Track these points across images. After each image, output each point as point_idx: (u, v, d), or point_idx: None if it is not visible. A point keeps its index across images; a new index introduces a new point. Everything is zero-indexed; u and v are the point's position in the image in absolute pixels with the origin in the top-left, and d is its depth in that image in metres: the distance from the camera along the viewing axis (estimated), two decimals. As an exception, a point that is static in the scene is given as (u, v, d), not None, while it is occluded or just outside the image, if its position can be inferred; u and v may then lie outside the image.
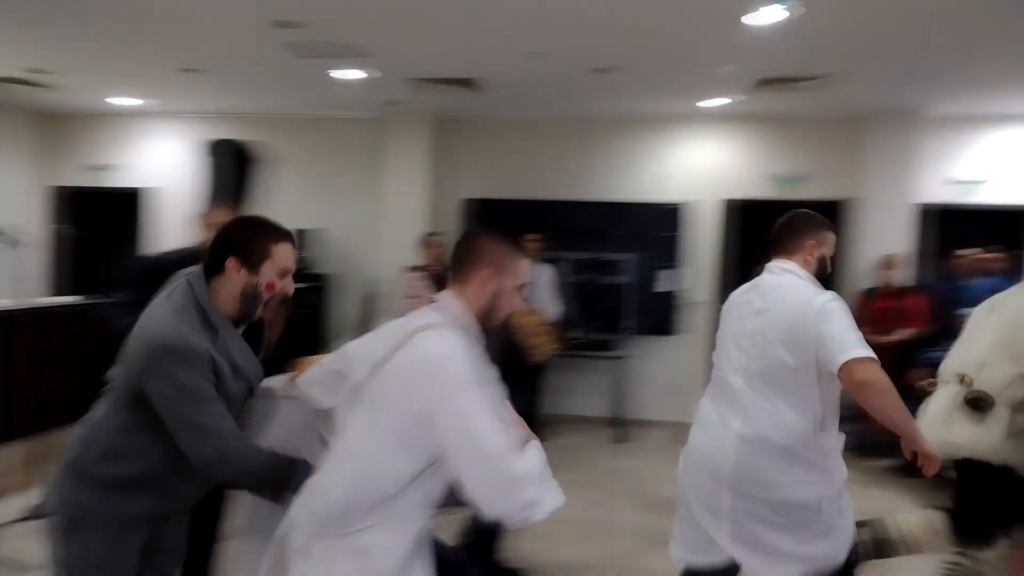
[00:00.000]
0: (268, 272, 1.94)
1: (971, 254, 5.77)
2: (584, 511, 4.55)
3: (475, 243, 1.92)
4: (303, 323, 6.75)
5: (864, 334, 2.30)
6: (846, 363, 2.19)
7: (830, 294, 2.39)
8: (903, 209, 6.33)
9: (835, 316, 2.30)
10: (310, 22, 4.34)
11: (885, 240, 6.25)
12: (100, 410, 1.96)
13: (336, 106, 6.96)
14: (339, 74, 5.55)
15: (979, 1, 3.67)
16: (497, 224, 6.81)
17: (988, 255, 5.72)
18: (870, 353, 2.21)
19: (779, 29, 3.97)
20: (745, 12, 3.72)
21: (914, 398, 2.87)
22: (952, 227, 6.44)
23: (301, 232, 7.27)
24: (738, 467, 2.40)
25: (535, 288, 6.15)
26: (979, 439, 2.87)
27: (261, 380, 2.06)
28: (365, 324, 6.07)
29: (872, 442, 5.17)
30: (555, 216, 6.79)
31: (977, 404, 2.94)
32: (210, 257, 1.94)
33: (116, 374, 1.94)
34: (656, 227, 6.85)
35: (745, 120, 6.84)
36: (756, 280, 2.60)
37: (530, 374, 5.75)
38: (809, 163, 6.82)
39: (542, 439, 1.93)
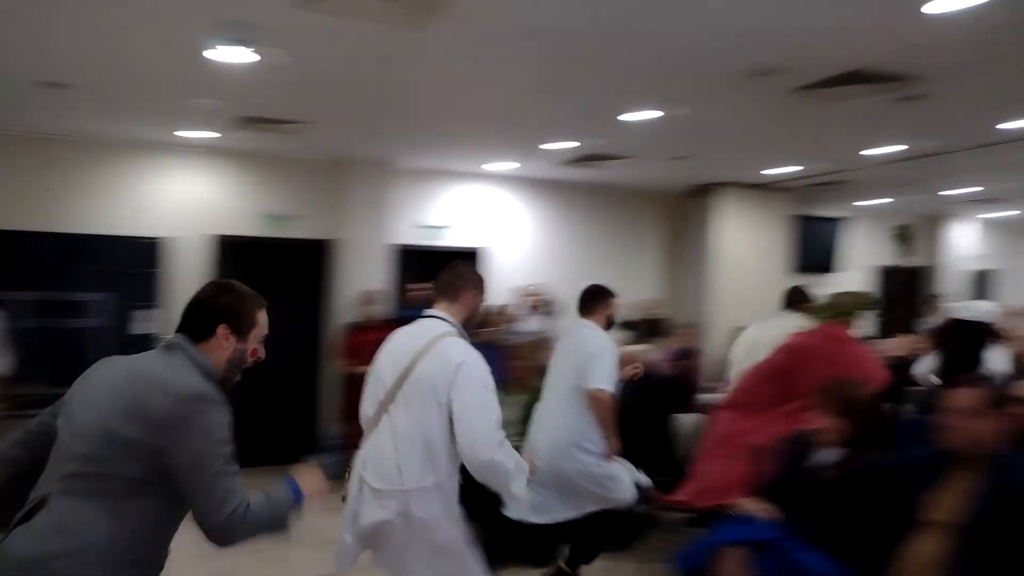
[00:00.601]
0: (254, 340, 1.97)
1: (420, 287, 6.54)
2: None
3: (460, 271, 2.92)
4: None
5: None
6: (595, 388, 3.75)
7: (612, 344, 3.95)
8: (380, 249, 6.92)
9: (606, 357, 3.82)
10: None
11: (365, 277, 6.75)
12: (67, 508, 1.69)
13: None
14: None
15: (436, 68, 4.17)
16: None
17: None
18: (609, 386, 3.78)
19: (250, 70, 3.93)
20: (205, 47, 3.57)
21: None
22: (421, 266, 7.26)
23: None
24: (554, 454, 3.78)
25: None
26: None
27: None
28: None
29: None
30: (-1, 249, 5.65)
31: None
32: (195, 323, 1.92)
33: (90, 458, 1.72)
34: (132, 263, 6.22)
35: (234, 155, 6.70)
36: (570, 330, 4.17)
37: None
38: (299, 203, 7.00)
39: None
